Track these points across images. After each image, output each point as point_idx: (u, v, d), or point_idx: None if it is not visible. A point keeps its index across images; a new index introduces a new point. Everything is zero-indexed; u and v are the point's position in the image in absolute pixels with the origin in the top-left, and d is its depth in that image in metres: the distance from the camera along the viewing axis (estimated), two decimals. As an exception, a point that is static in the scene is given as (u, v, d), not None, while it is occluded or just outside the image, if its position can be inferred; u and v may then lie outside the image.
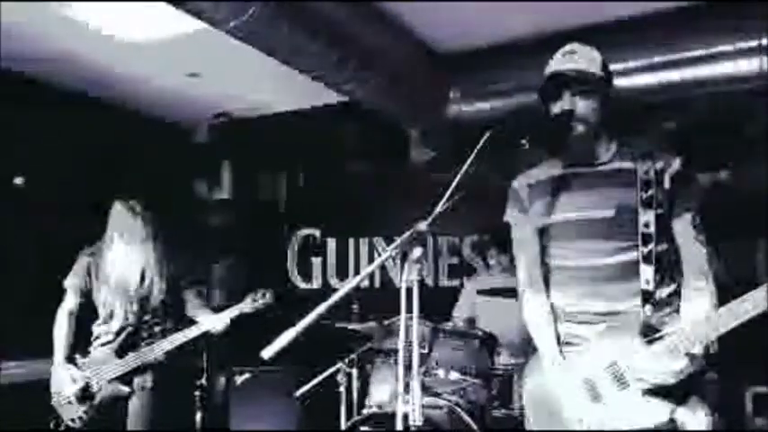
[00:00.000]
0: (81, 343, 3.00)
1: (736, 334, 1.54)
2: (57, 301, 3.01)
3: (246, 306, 3.02)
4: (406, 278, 1.50)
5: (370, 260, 4.77)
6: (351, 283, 1.49)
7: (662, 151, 1.81)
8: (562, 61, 1.85)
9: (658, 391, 1.64)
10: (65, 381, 2.88)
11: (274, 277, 4.93)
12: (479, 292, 3.55)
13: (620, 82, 2.79)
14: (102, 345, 2.93)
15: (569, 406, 1.76)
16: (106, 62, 3.77)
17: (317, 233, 5.03)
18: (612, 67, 1.92)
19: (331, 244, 4.97)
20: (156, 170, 4.48)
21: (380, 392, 3.09)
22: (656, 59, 3.23)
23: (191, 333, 2.92)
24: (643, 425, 1.65)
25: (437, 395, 2.88)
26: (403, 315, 1.49)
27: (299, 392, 3.44)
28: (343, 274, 4.90)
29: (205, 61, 3.83)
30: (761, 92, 3.21)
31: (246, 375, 3.93)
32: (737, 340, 1.62)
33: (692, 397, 1.67)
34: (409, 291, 1.50)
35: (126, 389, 2.87)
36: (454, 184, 1.60)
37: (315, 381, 3.41)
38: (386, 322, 3.34)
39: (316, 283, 4.99)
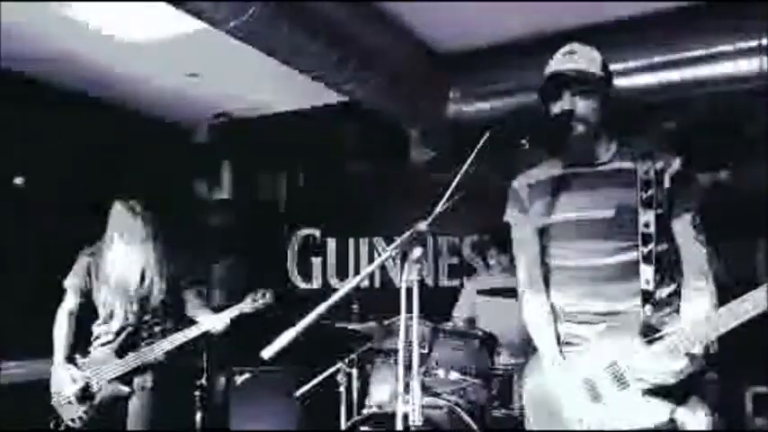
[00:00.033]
0: (81, 343, 3.00)
1: (736, 334, 1.54)
2: (57, 301, 3.01)
3: (246, 306, 3.02)
4: (406, 278, 1.50)
5: (370, 260, 4.77)
6: (351, 282, 1.49)
7: (662, 151, 1.81)
8: (562, 61, 1.85)
9: (658, 391, 1.64)
10: (65, 381, 2.88)
11: (274, 277, 4.93)
12: (479, 292, 3.55)
13: (620, 82, 2.79)
14: (102, 345, 2.93)
15: (569, 406, 1.76)
16: (106, 62, 3.77)
17: (317, 233, 5.03)
18: (612, 67, 1.92)
19: (331, 244, 4.97)
20: (156, 170, 4.47)
21: (380, 392, 3.08)
22: (656, 59, 3.23)
23: (191, 333, 2.92)
24: (643, 425, 1.65)
25: (437, 395, 2.88)
26: (403, 315, 1.50)
27: (299, 392, 3.44)
28: (343, 274, 4.90)
29: (205, 61, 3.83)
30: (761, 92, 3.21)
31: (246, 375, 3.93)
32: (737, 340, 1.62)
33: (692, 397, 1.67)
34: (409, 291, 1.50)
35: (126, 389, 2.87)
36: (454, 184, 1.60)
37: (315, 381, 3.41)
38: (386, 322, 3.34)
39: (316, 283, 4.99)
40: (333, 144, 4.89)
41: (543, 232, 1.90)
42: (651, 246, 1.71)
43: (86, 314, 3.01)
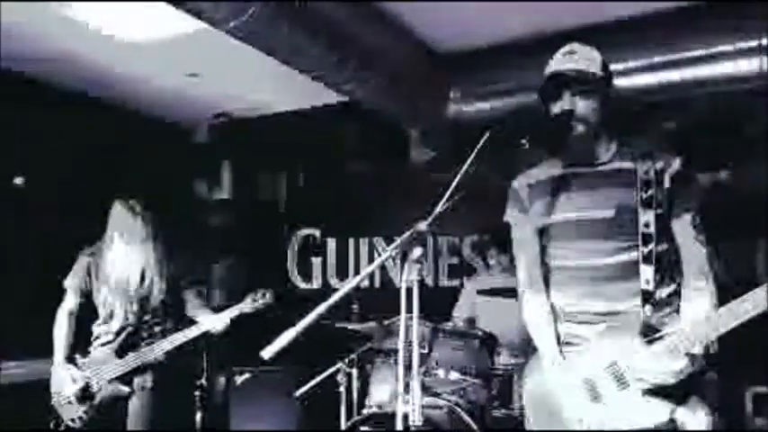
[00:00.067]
0: (81, 343, 3.00)
1: (736, 334, 1.54)
2: (57, 301, 3.01)
3: (246, 306, 3.02)
4: (406, 278, 1.50)
5: (370, 260, 4.77)
6: (351, 282, 1.49)
7: (662, 151, 1.81)
8: (562, 61, 1.85)
9: (658, 391, 1.64)
10: (65, 381, 2.88)
11: (274, 277, 4.93)
12: (479, 292, 3.55)
13: (620, 82, 2.80)
14: (103, 345, 2.93)
15: (569, 406, 1.76)
16: (106, 62, 3.77)
17: (317, 233, 5.03)
18: (612, 67, 1.92)
19: (331, 244, 4.97)
20: (156, 170, 4.47)
21: (380, 392, 3.08)
22: (656, 59, 3.22)
23: (191, 333, 2.92)
24: (643, 425, 1.65)
25: (437, 395, 2.88)
26: (403, 315, 1.50)
27: (298, 392, 3.44)
28: (343, 274, 4.90)
29: (205, 61, 3.83)
30: (761, 92, 3.21)
31: (246, 375, 3.93)
32: (737, 340, 1.62)
33: (693, 397, 1.67)
34: (409, 291, 1.50)
35: (126, 389, 2.87)
36: (454, 183, 1.60)
37: (315, 381, 3.41)
38: (386, 322, 3.33)
39: (316, 283, 4.99)
40: (333, 144, 4.89)
41: (543, 232, 1.90)
42: (651, 246, 1.71)
43: (86, 314, 3.01)
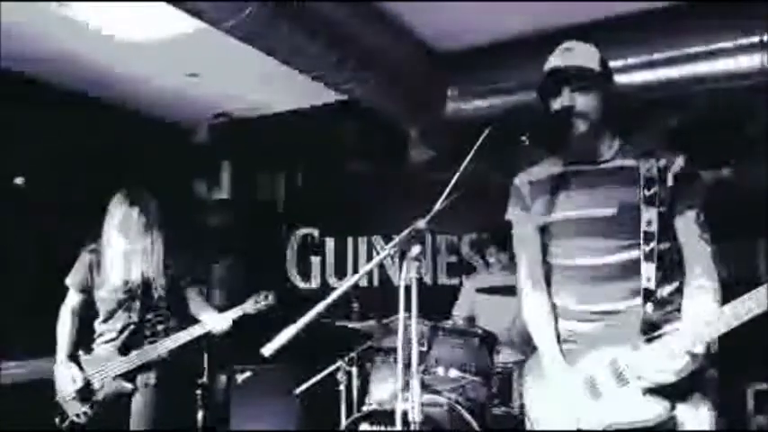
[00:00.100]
0: (85, 340, 3.00)
1: (737, 331, 1.53)
2: (57, 300, 3.01)
3: (249, 307, 3.05)
4: (405, 276, 1.50)
5: (369, 259, 4.77)
6: (350, 280, 1.49)
7: (663, 149, 1.80)
8: (561, 57, 1.84)
9: (659, 390, 1.64)
10: (66, 379, 2.89)
11: (273, 277, 4.93)
12: (479, 291, 3.55)
13: (619, 79, 2.79)
14: (106, 342, 2.93)
15: (569, 404, 1.75)
16: (106, 62, 3.77)
17: (316, 232, 5.03)
18: (612, 63, 1.92)
19: (329, 243, 4.97)
20: (156, 170, 4.47)
21: (380, 390, 3.08)
22: (656, 56, 3.21)
23: (195, 332, 2.93)
24: (643, 423, 1.64)
25: (437, 393, 2.88)
26: (402, 313, 1.50)
27: (298, 390, 3.44)
28: (341, 273, 4.90)
29: (205, 61, 3.83)
30: (761, 88, 3.20)
31: (247, 374, 3.93)
32: (738, 338, 1.61)
33: (693, 395, 1.67)
34: (408, 289, 1.50)
35: (129, 386, 2.87)
36: (453, 181, 1.60)
37: (315, 379, 3.42)
38: (385, 321, 3.34)
39: (314, 283, 4.99)
40: (332, 143, 4.89)
41: (544, 230, 1.90)
42: (653, 244, 1.70)
43: (91, 311, 3.01)
